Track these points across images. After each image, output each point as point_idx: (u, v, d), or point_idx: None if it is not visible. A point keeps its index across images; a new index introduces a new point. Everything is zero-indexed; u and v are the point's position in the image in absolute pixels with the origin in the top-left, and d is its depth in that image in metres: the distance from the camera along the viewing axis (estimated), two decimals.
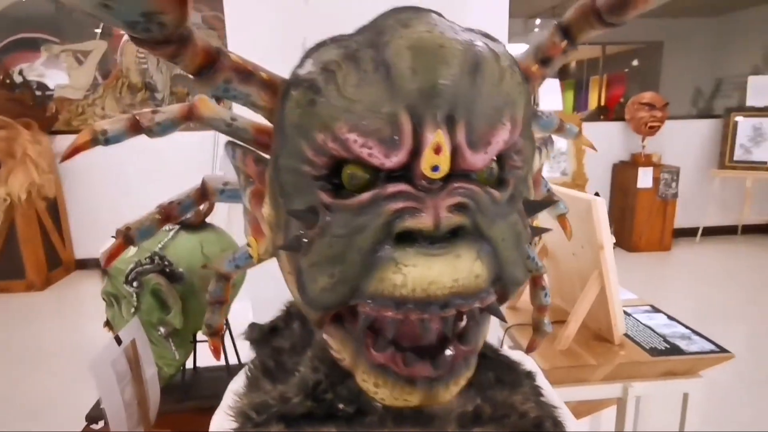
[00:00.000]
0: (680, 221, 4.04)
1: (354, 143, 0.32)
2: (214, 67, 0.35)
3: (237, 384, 0.60)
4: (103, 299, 1.06)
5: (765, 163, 3.85)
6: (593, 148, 0.58)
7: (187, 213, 0.56)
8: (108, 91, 3.86)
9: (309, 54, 0.36)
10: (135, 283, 0.94)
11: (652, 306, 1.26)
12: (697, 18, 5.29)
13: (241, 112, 0.45)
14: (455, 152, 0.32)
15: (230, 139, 0.46)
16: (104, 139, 0.43)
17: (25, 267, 3.41)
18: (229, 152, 0.47)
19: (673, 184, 3.76)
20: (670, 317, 1.19)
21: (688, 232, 4.19)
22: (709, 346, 1.05)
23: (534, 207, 0.43)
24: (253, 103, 0.38)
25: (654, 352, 1.02)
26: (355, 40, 0.34)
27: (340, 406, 0.48)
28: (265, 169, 0.42)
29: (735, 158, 3.95)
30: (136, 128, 0.45)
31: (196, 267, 0.98)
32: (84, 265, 3.84)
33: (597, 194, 1.00)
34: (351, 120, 0.32)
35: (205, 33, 0.33)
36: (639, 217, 3.84)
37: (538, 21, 5.46)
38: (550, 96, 3.32)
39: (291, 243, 0.36)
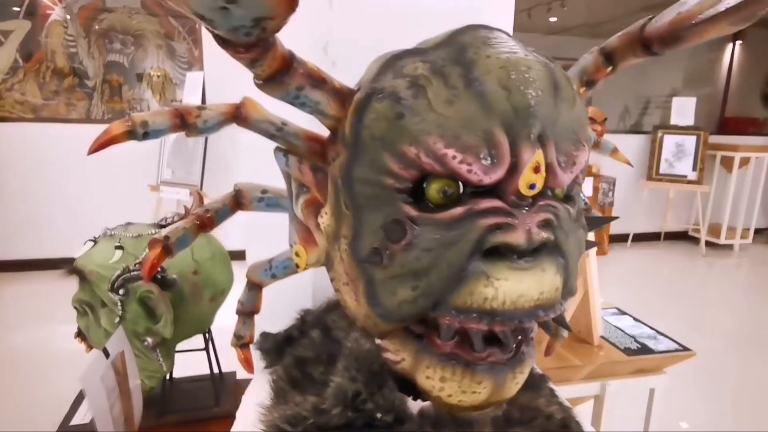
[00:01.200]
0: (614, 228, 4.35)
1: (452, 159, 0.32)
2: (288, 73, 0.34)
3: (258, 395, 0.58)
4: (75, 307, 0.98)
5: (685, 176, 4.25)
6: (629, 164, 0.62)
7: (223, 221, 0.54)
8: (30, 75, 3.51)
9: (388, 66, 0.36)
10: (121, 291, 0.87)
11: (618, 308, 1.35)
12: None
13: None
14: (547, 170, 0.34)
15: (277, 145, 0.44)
16: (143, 132, 0.38)
17: None
18: (279, 159, 0.45)
19: (610, 193, 4.05)
20: (635, 319, 1.28)
21: (621, 238, 4.52)
22: (674, 345, 1.14)
23: (596, 222, 0.46)
24: (322, 112, 0.37)
25: (628, 351, 1.10)
26: (437, 55, 0.34)
27: (378, 415, 0.48)
28: (324, 178, 0.41)
29: (660, 171, 4.31)
30: (181, 124, 0.41)
31: (187, 273, 0.93)
32: (4, 267, 3.49)
33: None
34: (446, 136, 0.32)
35: None
36: None
37: None
38: None
39: (370, 256, 0.35)
